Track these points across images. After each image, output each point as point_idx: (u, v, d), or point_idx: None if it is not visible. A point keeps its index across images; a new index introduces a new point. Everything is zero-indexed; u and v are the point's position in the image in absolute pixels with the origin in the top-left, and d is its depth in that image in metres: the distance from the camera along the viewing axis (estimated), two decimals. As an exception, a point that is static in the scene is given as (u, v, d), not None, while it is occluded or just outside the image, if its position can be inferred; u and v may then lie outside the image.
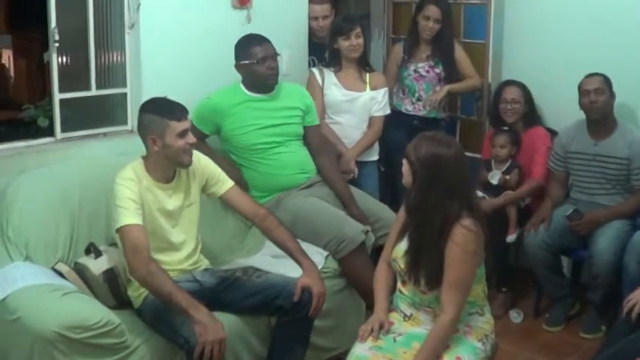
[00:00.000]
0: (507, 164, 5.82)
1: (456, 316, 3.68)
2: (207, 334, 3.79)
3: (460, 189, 3.70)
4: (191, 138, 4.19)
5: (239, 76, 5.16)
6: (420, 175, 3.67)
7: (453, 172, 3.68)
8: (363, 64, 5.76)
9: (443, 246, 3.66)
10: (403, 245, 3.85)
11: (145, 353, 4.00)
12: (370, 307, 4.65)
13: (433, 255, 3.67)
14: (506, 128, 5.85)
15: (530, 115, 5.97)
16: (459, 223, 3.65)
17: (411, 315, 3.86)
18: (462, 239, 3.63)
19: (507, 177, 5.76)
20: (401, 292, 3.91)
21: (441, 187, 3.65)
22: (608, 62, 5.57)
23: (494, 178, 5.78)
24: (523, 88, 5.94)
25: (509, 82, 6.01)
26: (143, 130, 4.17)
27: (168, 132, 4.11)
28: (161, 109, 4.16)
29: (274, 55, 5.09)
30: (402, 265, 3.82)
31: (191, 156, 4.22)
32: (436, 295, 3.75)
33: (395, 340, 3.78)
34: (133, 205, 4.03)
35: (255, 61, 5.03)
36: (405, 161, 3.74)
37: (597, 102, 5.35)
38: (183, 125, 4.15)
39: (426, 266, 3.70)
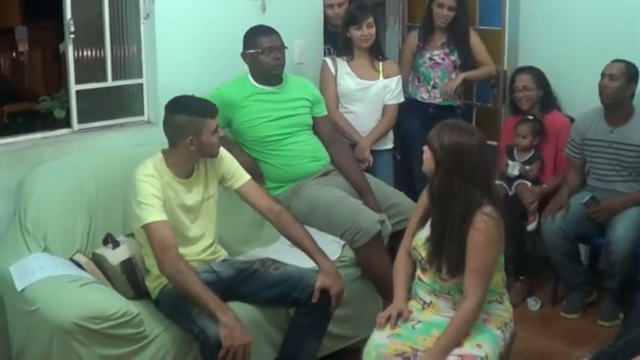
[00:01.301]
0: (530, 154, 5.82)
1: (479, 303, 3.70)
2: (233, 337, 3.80)
3: (482, 177, 3.73)
4: (221, 131, 4.26)
5: (251, 67, 5.18)
6: (443, 163, 3.69)
7: (476, 160, 3.69)
8: (376, 52, 5.75)
9: (465, 233, 3.68)
10: (424, 233, 3.86)
11: (164, 343, 4.02)
12: (385, 298, 4.67)
13: (455, 242, 3.69)
14: (530, 117, 5.84)
15: (547, 99, 5.96)
16: (481, 211, 3.67)
17: (431, 302, 3.87)
18: (484, 226, 3.65)
19: (528, 167, 5.75)
20: (420, 279, 3.92)
21: (464, 175, 3.67)
22: (627, 49, 5.54)
23: (514, 169, 5.77)
24: (536, 74, 5.93)
25: (521, 70, 6.01)
26: (178, 131, 4.14)
27: (204, 130, 4.12)
28: (195, 108, 4.17)
29: (281, 47, 5.09)
30: (423, 254, 3.83)
31: (219, 149, 4.27)
32: (457, 283, 3.77)
33: (414, 328, 3.79)
34: (157, 202, 4.04)
35: (260, 50, 5.04)
36: (426, 148, 3.76)
37: (608, 87, 5.33)
38: (217, 121, 4.20)
39: (448, 253, 3.71)
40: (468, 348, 3.67)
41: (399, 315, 3.83)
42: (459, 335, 3.69)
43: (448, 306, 3.83)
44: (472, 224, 3.66)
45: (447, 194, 3.71)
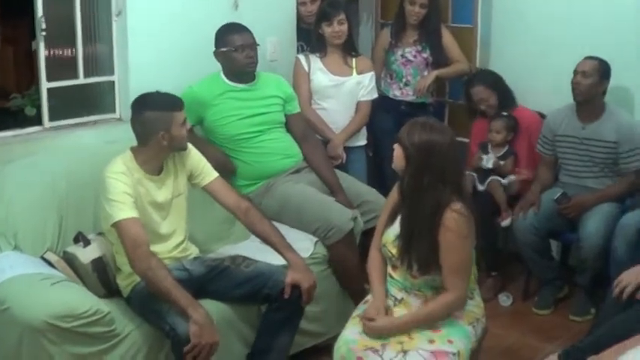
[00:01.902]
0: (504, 150, 5.83)
1: (461, 296, 3.78)
2: (202, 335, 3.80)
3: (452, 175, 3.74)
4: (188, 124, 4.30)
5: (223, 65, 5.18)
6: (414, 160, 3.70)
7: (446, 158, 3.71)
8: (349, 49, 5.76)
9: (435, 231, 3.69)
10: (393, 231, 3.87)
11: (135, 341, 4.02)
12: (353, 296, 4.68)
13: (425, 240, 3.71)
14: (504, 114, 5.85)
15: (504, 98, 5.95)
16: (450, 208, 3.68)
17: (402, 299, 3.88)
18: (455, 224, 3.67)
19: (502, 162, 5.77)
20: (391, 276, 3.93)
21: (434, 173, 3.68)
22: (599, 46, 5.55)
23: (489, 162, 5.78)
24: (486, 81, 5.94)
25: (470, 83, 5.99)
26: (148, 128, 4.13)
27: (174, 124, 4.13)
28: (162, 103, 4.16)
29: (253, 45, 5.09)
30: (393, 251, 3.84)
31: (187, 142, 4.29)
32: (427, 280, 3.79)
33: None
34: (128, 199, 4.03)
35: (233, 48, 5.04)
36: (397, 146, 3.77)
37: (580, 84, 5.35)
38: (184, 114, 4.20)
39: (419, 251, 3.73)
40: (439, 344, 3.68)
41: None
42: (431, 318, 3.75)
43: (419, 302, 3.84)
44: (442, 222, 3.68)
45: (416, 191, 3.72)
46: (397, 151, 3.77)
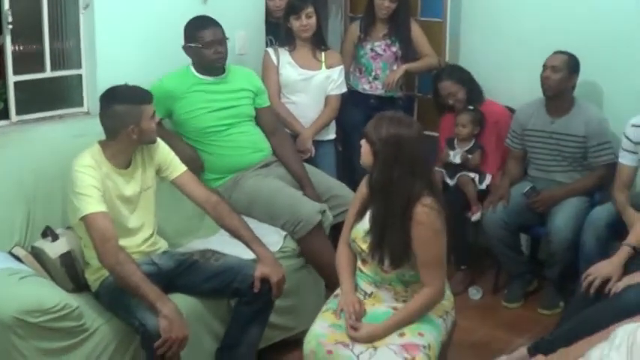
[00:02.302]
0: (470, 144, 5.84)
1: (440, 289, 3.79)
2: (172, 329, 3.79)
3: (421, 169, 3.73)
4: (156, 117, 4.28)
5: (193, 58, 5.17)
6: (382, 155, 3.68)
7: (415, 151, 3.69)
8: (318, 42, 5.76)
9: (407, 226, 3.68)
10: (362, 226, 3.86)
11: (104, 336, 3.99)
12: (329, 286, 4.67)
13: (397, 235, 3.69)
14: (471, 107, 5.86)
15: (472, 93, 5.95)
16: (421, 203, 3.67)
17: (372, 293, 3.88)
18: (427, 219, 3.66)
19: (469, 156, 5.78)
20: (361, 270, 3.92)
21: (403, 167, 3.66)
22: (566, 40, 5.58)
23: (456, 157, 5.79)
24: (454, 75, 5.94)
25: (439, 77, 5.98)
26: (117, 121, 4.10)
27: (143, 117, 4.11)
28: (132, 97, 4.14)
29: (222, 39, 5.07)
30: (363, 246, 3.83)
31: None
32: (397, 274, 3.78)
33: None
34: (96, 193, 4.00)
35: (201, 44, 5.03)
36: (364, 142, 3.75)
37: (550, 79, 5.37)
38: (153, 107, 4.19)
39: (390, 246, 3.71)
40: (409, 337, 3.68)
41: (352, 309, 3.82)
42: (413, 317, 3.75)
43: (389, 296, 3.85)
44: (414, 217, 3.66)
45: (386, 187, 3.70)
46: (364, 147, 3.75)
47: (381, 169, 3.70)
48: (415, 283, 3.82)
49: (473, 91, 5.95)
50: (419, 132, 3.74)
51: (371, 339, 3.69)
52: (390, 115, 3.79)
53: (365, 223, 3.84)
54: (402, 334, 3.69)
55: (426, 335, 3.70)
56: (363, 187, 3.91)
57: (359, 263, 3.94)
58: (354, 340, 3.70)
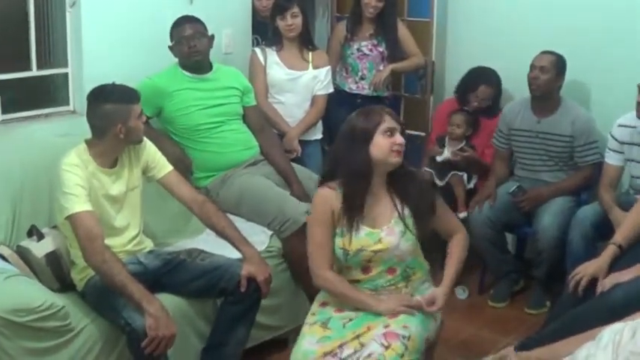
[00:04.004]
0: (461, 144, 5.84)
1: (465, 229, 4.16)
2: (158, 328, 3.79)
3: None
4: (143, 117, 4.25)
5: (179, 57, 5.18)
6: None
7: None
8: (306, 42, 5.76)
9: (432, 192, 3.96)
10: (365, 233, 3.79)
11: (90, 335, 3.98)
12: (306, 290, 4.66)
13: (426, 205, 3.88)
14: (465, 108, 5.87)
15: (494, 106, 5.97)
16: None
17: None
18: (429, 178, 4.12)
19: (452, 155, 5.79)
20: (359, 281, 3.87)
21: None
22: (553, 40, 5.61)
23: (442, 155, 5.80)
24: (495, 85, 5.93)
25: (483, 80, 5.91)
26: (105, 120, 4.08)
27: (131, 116, 4.10)
28: (120, 96, 4.13)
29: (195, 34, 5.06)
30: (379, 246, 3.78)
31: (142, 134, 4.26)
32: (402, 270, 3.87)
33: (344, 326, 3.75)
34: (82, 192, 3.99)
35: (175, 41, 5.07)
36: (402, 136, 3.79)
37: (538, 79, 5.39)
38: (140, 106, 4.18)
39: (427, 218, 3.89)
40: (393, 327, 3.65)
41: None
42: (461, 263, 4.05)
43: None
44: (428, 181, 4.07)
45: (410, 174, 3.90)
46: (400, 137, 3.77)
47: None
48: (414, 274, 3.90)
49: (495, 104, 5.98)
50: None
51: (445, 299, 3.88)
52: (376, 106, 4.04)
53: (364, 229, 3.80)
54: (387, 325, 3.66)
55: (410, 327, 3.67)
56: (330, 202, 3.82)
57: (358, 274, 3.88)
58: (438, 310, 3.87)
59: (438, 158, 5.80)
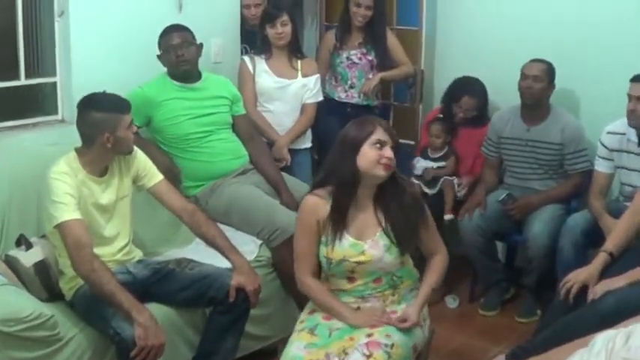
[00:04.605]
0: (444, 151, 5.86)
1: (446, 251, 4.05)
2: (147, 337, 3.77)
3: None
4: (134, 128, 4.24)
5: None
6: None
7: None
8: (294, 51, 5.76)
9: (415, 207, 3.85)
10: (348, 243, 3.78)
11: (79, 345, 3.96)
12: (297, 299, 4.65)
13: (408, 220, 3.81)
14: (440, 116, 5.87)
15: (481, 115, 5.96)
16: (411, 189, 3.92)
17: (359, 307, 3.84)
18: (418, 194, 3.99)
19: (443, 163, 5.81)
20: (344, 290, 3.86)
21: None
22: (543, 49, 5.61)
23: (421, 169, 5.85)
24: (478, 95, 5.91)
25: (465, 91, 5.90)
26: (94, 128, 4.08)
27: (120, 126, 4.08)
28: (110, 105, 4.12)
29: (183, 43, 5.05)
30: (362, 258, 3.76)
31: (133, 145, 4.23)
32: (389, 279, 3.84)
33: (330, 335, 3.75)
34: (71, 200, 3.97)
35: (163, 50, 5.07)
36: (391, 149, 3.73)
37: (532, 89, 5.40)
38: (131, 116, 4.16)
39: (408, 233, 3.82)
40: (376, 336, 3.64)
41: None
42: (438, 282, 4.00)
43: (378, 305, 3.83)
44: (413, 197, 3.86)
45: (397, 183, 3.82)
46: (391, 151, 3.72)
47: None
48: (402, 283, 3.87)
49: (481, 114, 5.96)
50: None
51: (418, 316, 3.80)
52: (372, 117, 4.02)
53: (349, 240, 3.78)
54: (370, 335, 3.65)
55: (393, 336, 3.66)
56: (316, 210, 3.82)
57: (341, 284, 3.87)
58: (412, 327, 3.77)
59: (416, 172, 5.83)
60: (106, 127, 4.05)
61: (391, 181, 3.77)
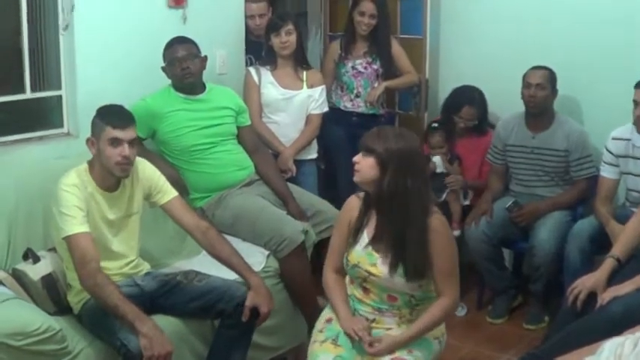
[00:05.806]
0: (447, 157, 5.86)
1: (456, 297, 3.80)
2: (153, 347, 3.75)
3: (427, 179, 3.79)
4: (126, 150, 4.08)
5: (173, 78, 5.17)
6: (394, 167, 3.61)
7: (423, 163, 3.84)
8: (300, 61, 5.75)
9: (427, 236, 3.66)
10: (363, 248, 3.78)
11: (87, 358, 3.96)
12: (303, 310, 4.65)
13: (418, 246, 3.66)
14: (435, 125, 5.87)
15: (482, 124, 5.98)
16: (434, 212, 3.71)
17: (375, 319, 3.83)
18: (442, 227, 3.72)
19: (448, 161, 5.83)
20: (360, 300, 3.86)
21: (416, 179, 3.64)
22: (544, 55, 5.62)
23: (439, 167, 5.81)
24: (478, 104, 5.92)
25: (465, 101, 5.91)
26: (91, 131, 4.15)
27: (102, 136, 4.07)
28: (105, 113, 4.14)
29: (188, 56, 5.03)
30: (372, 269, 3.75)
31: (124, 169, 4.13)
32: (406, 299, 3.77)
33: (353, 346, 3.74)
34: (79, 213, 3.98)
35: (168, 62, 5.05)
36: (364, 156, 3.68)
37: (536, 97, 5.40)
38: (117, 133, 4.06)
39: (412, 258, 3.66)
40: (398, 354, 3.67)
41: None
42: (431, 327, 3.77)
43: (393, 321, 3.81)
44: (431, 227, 3.67)
45: (402, 198, 3.63)
46: (366, 161, 3.66)
47: (395, 182, 3.61)
48: (422, 304, 3.81)
49: (481, 123, 5.97)
50: (420, 143, 3.80)
51: (391, 349, 3.69)
52: (388, 128, 3.83)
53: (362, 245, 3.79)
54: (392, 352, 3.67)
55: (415, 352, 3.68)
56: (352, 210, 3.86)
57: (358, 293, 3.87)
58: (377, 354, 3.68)
59: (438, 170, 5.81)
60: (94, 132, 4.11)
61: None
